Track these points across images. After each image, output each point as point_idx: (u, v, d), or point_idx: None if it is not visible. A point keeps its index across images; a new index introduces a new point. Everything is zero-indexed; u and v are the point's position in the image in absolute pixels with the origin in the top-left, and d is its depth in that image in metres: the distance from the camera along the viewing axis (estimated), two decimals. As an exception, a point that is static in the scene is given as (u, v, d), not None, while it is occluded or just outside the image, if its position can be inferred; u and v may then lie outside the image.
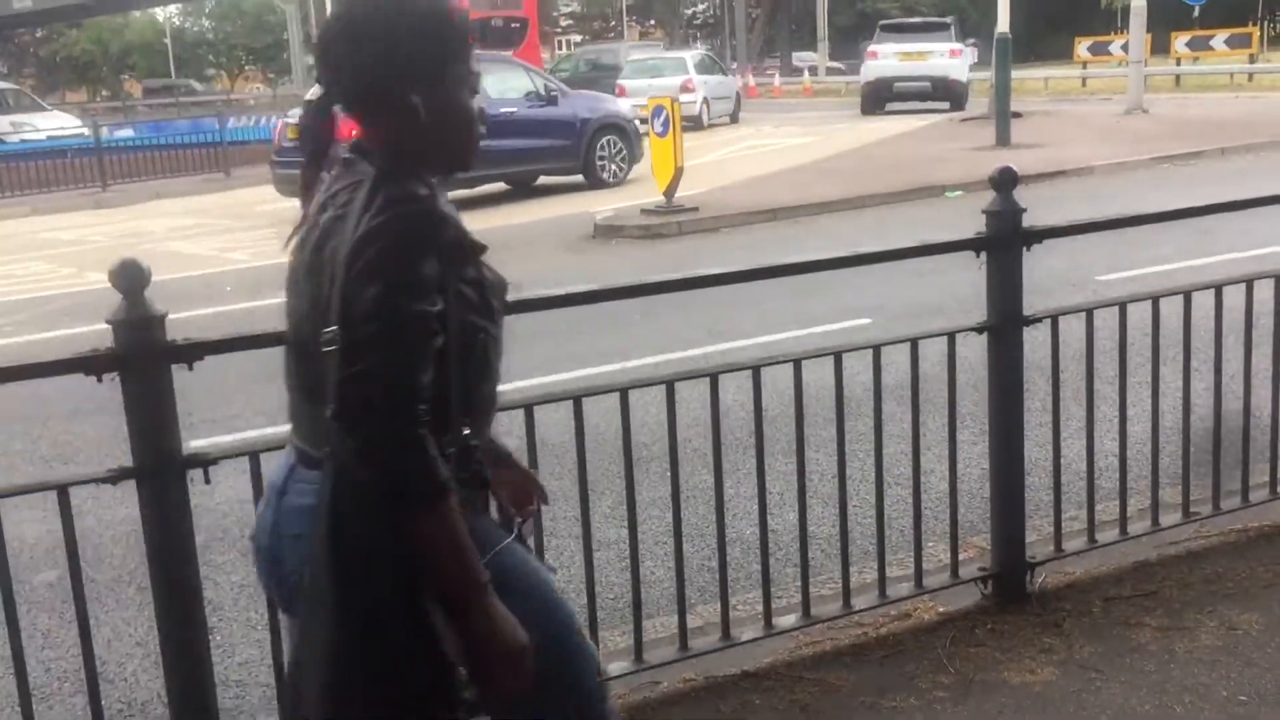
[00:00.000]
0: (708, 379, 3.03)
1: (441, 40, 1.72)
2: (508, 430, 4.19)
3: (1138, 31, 21.06)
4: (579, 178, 15.76)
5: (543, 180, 15.99)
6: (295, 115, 14.86)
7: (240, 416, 6.03)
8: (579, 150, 15.60)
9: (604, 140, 15.87)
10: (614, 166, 16.07)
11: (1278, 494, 3.80)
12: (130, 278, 2.27)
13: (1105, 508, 3.75)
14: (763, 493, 3.13)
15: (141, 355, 2.27)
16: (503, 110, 14.65)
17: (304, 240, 1.74)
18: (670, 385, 2.97)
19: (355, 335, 1.57)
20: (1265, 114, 19.85)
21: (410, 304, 1.58)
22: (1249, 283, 3.67)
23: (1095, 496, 3.58)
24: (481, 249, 1.74)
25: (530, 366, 6.65)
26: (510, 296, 1.95)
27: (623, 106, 17.43)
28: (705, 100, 25.65)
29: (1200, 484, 3.78)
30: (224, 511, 4.55)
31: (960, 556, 3.46)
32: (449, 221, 1.67)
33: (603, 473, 4.23)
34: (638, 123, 15.93)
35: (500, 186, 15.37)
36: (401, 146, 1.70)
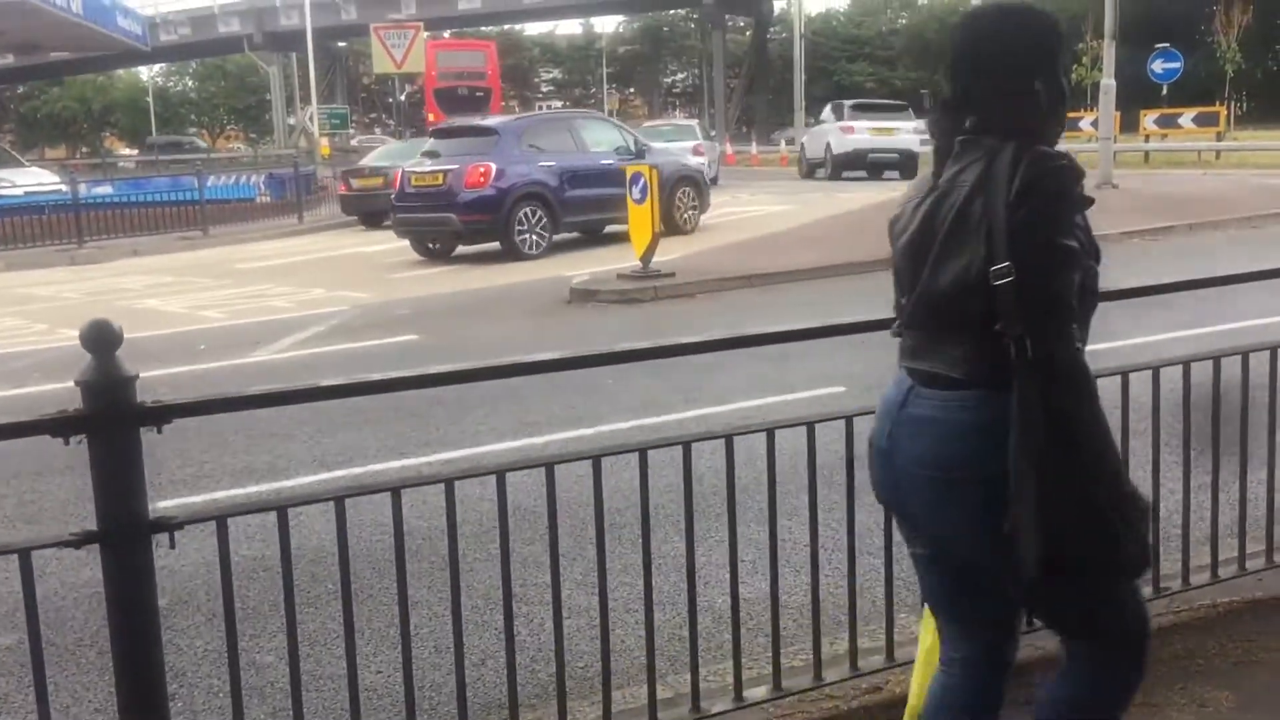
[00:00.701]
0: (680, 447, 3.02)
1: (1053, 37, 2.19)
2: (480, 496, 4.18)
3: (1107, 109, 21.44)
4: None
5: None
6: (424, 165, 16.01)
7: (209, 476, 5.98)
8: (662, 199, 16.91)
9: (681, 191, 17.33)
10: (688, 214, 17.53)
11: (1246, 570, 3.81)
12: (100, 338, 2.25)
13: (1076, 581, 3.75)
14: (734, 561, 3.11)
15: (109, 418, 2.24)
16: (601, 162, 16.24)
17: (936, 204, 2.15)
18: (643, 453, 2.96)
19: (1031, 269, 1.99)
20: (1232, 191, 20.20)
21: (1069, 240, 2.03)
22: (1216, 360, 3.71)
23: (1066, 570, 3.58)
24: (1091, 201, 2.12)
25: (504, 430, 6.64)
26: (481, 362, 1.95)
27: (694, 161, 19.93)
28: (708, 164, 27.71)
29: (1170, 559, 3.79)
30: (190, 574, 4.49)
31: (932, 629, 3.44)
32: (1083, 175, 2.08)
33: (575, 539, 4.20)
34: (705, 176, 18.94)
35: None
36: (1022, 125, 2.10)
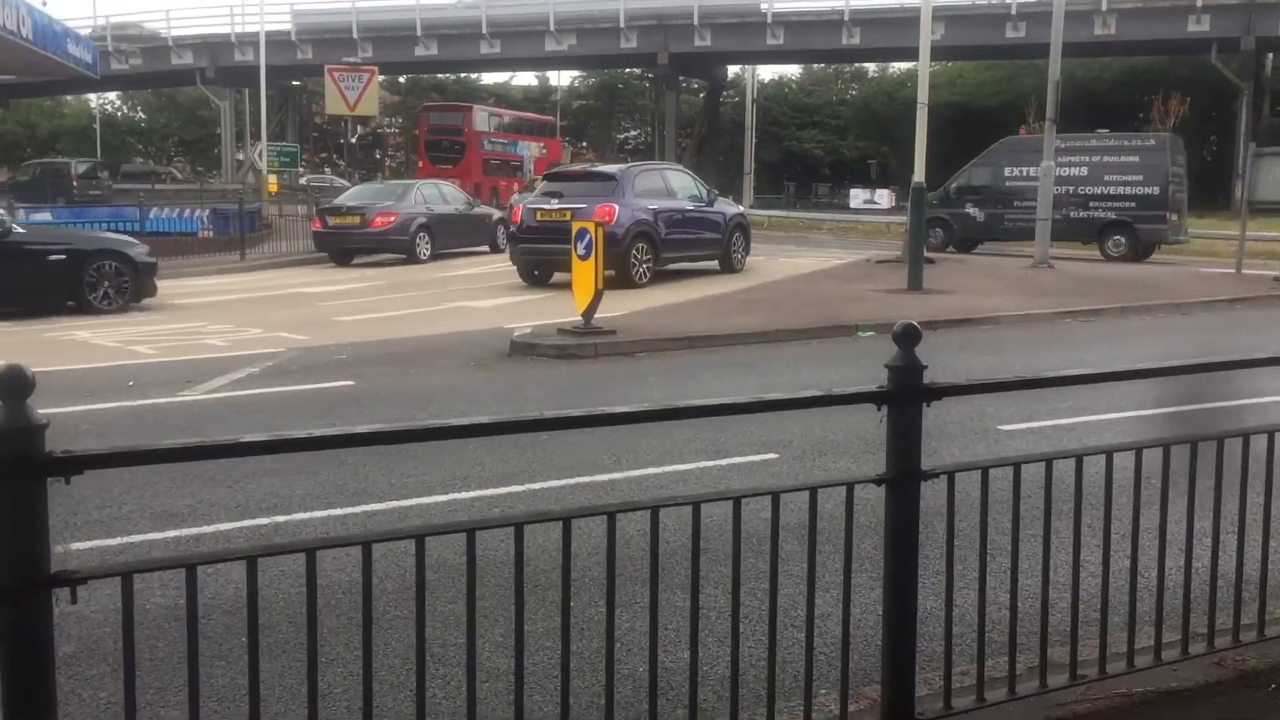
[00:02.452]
0: (605, 517, 3.00)
1: None
2: (406, 550, 4.09)
3: (1046, 189, 21.96)
4: (715, 264, 20.18)
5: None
6: (550, 204, 17.93)
7: (128, 519, 5.82)
8: (723, 242, 20.04)
9: (735, 236, 20.41)
10: (739, 256, 20.59)
11: (1161, 660, 3.84)
12: (11, 385, 2.19)
13: (995, 664, 3.76)
14: (654, 631, 3.08)
15: (15, 468, 2.17)
16: (686, 208, 19.24)
17: None
18: (567, 522, 2.93)
19: None
20: (1164, 278, 20.69)
21: None
22: (1138, 450, 3.77)
23: (985, 652, 3.59)
24: None
25: (433, 483, 6.57)
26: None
27: (741, 208, 22.61)
28: None
29: (1088, 644, 3.81)
30: (100, 620, 4.35)
31: (851, 707, 3.43)
32: None
33: (498, 599, 4.15)
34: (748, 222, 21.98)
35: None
36: None
